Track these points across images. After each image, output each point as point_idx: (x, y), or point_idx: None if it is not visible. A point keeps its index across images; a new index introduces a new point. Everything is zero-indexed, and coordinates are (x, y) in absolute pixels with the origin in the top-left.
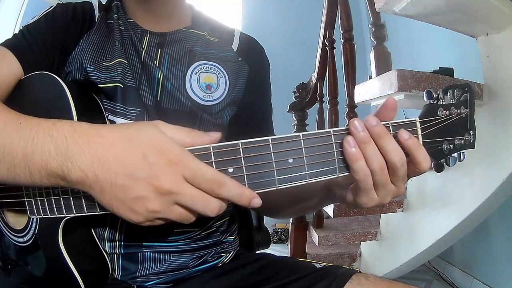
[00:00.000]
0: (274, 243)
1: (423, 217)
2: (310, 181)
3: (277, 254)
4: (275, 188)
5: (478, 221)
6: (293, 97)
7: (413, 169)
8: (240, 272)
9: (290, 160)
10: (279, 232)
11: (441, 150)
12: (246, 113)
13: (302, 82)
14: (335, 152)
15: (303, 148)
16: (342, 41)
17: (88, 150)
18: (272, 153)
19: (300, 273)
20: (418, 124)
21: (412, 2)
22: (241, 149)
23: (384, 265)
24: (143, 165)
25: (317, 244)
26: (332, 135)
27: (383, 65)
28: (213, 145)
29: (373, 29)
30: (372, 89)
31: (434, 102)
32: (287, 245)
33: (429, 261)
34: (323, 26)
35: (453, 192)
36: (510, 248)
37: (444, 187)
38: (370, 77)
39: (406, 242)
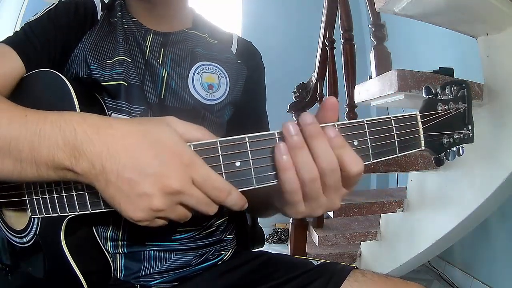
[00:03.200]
0: (274, 243)
1: (423, 217)
2: None
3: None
4: None
5: (478, 221)
6: (293, 97)
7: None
8: (240, 270)
9: None
10: (279, 232)
11: (441, 144)
12: (243, 113)
13: (302, 82)
14: None
15: None
16: (342, 41)
17: (97, 140)
18: None
19: (299, 271)
20: (418, 117)
21: (412, 2)
22: (247, 142)
23: (384, 265)
24: (154, 162)
25: (317, 244)
26: (336, 129)
27: (383, 65)
28: (220, 139)
29: (373, 29)
30: (372, 89)
31: (433, 98)
32: (287, 245)
33: (429, 261)
34: (323, 26)
35: (453, 192)
36: (510, 248)
37: (444, 187)
38: (370, 77)
39: (406, 242)
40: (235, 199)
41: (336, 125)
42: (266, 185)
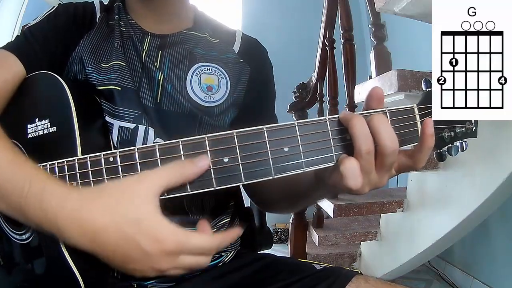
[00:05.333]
0: (274, 243)
1: (423, 217)
2: (307, 170)
3: (277, 254)
4: (271, 178)
5: (478, 221)
6: (293, 97)
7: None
8: (241, 272)
9: (286, 149)
10: (279, 232)
11: (441, 138)
12: (248, 115)
13: (302, 82)
14: (331, 139)
15: (299, 136)
16: (342, 41)
17: (79, 231)
18: (267, 142)
19: (301, 274)
20: (416, 110)
21: (412, 2)
22: (235, 137)
23: (384, 265)
24: (138, 252)
25: (317, 244)
26: (328, 122)
27: (383, 65)
28: (208, 135)
29: (373, 29)
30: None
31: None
32: (287, 245)
33: (429, 261)
34: (323, 26)
35: (453, 192)
36: (510, 248)
37: (444, 187)
38: (370, 77)
39: (406, 242)
40: (226, 244)
41: (327, 119)
42: (256, 182)
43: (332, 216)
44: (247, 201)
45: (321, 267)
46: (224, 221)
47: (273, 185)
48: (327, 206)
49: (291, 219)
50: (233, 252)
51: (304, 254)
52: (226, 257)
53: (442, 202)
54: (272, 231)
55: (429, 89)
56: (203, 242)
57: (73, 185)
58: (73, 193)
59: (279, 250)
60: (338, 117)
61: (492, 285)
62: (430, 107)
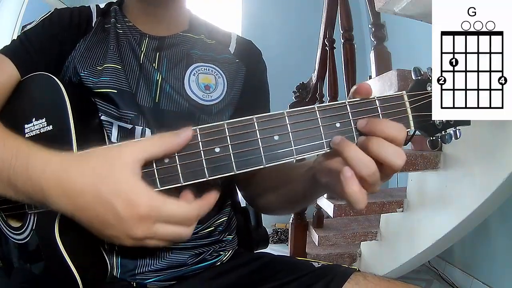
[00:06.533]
0: (274, 243)
1: (423, 217)
2: (298, 157)
3: (277, 254)
4: (262, 166)
5: (478, 221)
6: (293, 97)
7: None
8: (239, 271)
9: (276, 137)
10: (279, 232)
11: (433, 125)
12: (244, 114)
13: (302, 82)
14: (321, 127)
15: (288, 125)
16: (342, 41)
17: (61, 194)
18: (257, 131)
19: (299, 273)
20: (405, 97)
21: (412, 2)
22: (226, 128)
23: (384, 265)
24: (113, 216)
25: (317, 244)
26: (317, 111)
27: (383, 65)
28: (198, 127)
29: (373, 29)
30: (372, 89)
31: (423, 78)
32: (287, 245)
33: (429, 261)
34: (323, 26)
35: (453, 192)
36: (510, 248)
37: (444, 187)
38: (370, 77)
39: (406, 242)
40: (205, 211)
41: (316, 107)
42: (248, 171)
43: (332, 216)
44: (242, 202)
45: (319, 265)
46: (221, 220)
47: (270, 183)
48: (327, 206)
49: (291, 219)
50: (231, 251)
51: (304, 254)
52: (224, 257)
53: (442, 202)
54: (271, 231)
55: (418, 77)
56: (179, 209)
57: (56, 151)
58: (55, 156)
59: (279, 250)
60: (327, 105)
61: (492, 285)
62: (421, 94)
